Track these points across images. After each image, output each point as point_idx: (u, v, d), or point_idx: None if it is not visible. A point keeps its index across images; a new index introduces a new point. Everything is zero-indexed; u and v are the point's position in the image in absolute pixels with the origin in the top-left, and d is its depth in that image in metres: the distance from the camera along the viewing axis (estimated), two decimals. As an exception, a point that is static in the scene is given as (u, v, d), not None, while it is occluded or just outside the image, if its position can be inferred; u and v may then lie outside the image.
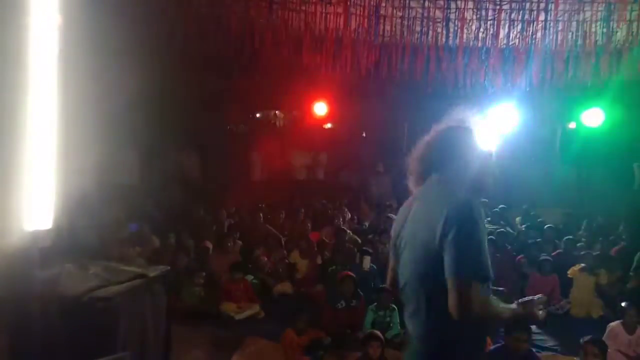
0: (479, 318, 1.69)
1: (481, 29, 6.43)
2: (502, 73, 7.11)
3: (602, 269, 5.86)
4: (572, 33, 6.24)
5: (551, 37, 6.29)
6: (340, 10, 6.16)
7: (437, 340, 1.78)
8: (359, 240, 6.72)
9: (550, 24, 6.07)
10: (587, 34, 6.21)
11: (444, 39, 6.39)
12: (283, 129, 11.18)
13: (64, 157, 2.40)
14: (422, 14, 6.10)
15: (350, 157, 10.33)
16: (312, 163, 10.62)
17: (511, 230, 7.37)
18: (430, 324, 1.78)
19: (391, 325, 4.64)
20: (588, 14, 6.04)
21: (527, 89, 7.33)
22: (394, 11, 6.12)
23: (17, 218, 2.26)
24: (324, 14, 6.41)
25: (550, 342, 4.87)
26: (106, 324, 2.69)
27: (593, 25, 6.15)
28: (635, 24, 5.91)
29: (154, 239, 6.16)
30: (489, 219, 7.93)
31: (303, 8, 6.32)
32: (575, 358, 4.05)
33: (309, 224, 7.46)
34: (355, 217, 8.41)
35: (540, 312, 1.87)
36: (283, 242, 6.73)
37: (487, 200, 8.51)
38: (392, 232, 2.03)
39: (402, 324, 3.59)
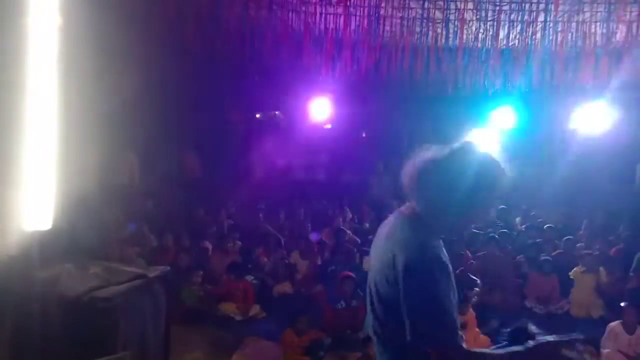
0: None
1: (481, 30, 6.43)
2: (502, 74, 7.11)
3: (602, 269, 5.86)
4: (572, 34, 6.25)
5: (551, 37, 6.29)
6: (340, 10, 6.16)
7: None
8: (359, 241, 6.73)
9: (549, 24, 6.07)
10: (587, 34, 6.21)
11: (443, 40, 6.40)
12: (283, 129, 11.17)
13: (63, 158, 2.40)
14: (422, 15, 6.11)
15: (350, 157, 10.33)
16: (312, 163, 10.61)
17: (508, 231, 7.36)
18: None
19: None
20: (587, 15, 6.04)
21: (527, 90, 7.34)
22: (394, 12, 6.12)
23: (17, 218, 2.27)
24: (323, 15, 6.41)
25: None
26: (106, 324, 2.69)
27: (593, 26, 6.15)
28: (634, 25, 5.92)
29: (154, 239, 6.17)
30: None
31: (303, 8, 6.32)
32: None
33: (308, 224, 7.46)
34: (355, 217, 8.41)
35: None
36: (283, 243, 6.73)
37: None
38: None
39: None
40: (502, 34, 6.46)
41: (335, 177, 10.41)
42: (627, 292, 5.49)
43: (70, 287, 2.76)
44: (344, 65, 6.70)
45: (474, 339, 4.34)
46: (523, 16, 6.09)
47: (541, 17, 5.99)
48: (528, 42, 6.41)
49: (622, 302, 4.57)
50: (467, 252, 6.30)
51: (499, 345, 3.93)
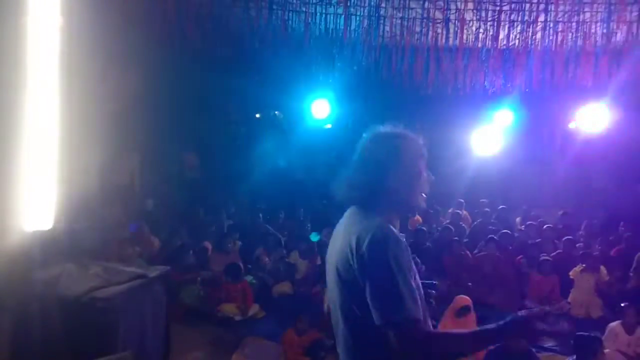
0: (441, 354, 1.51)
1: (481, 30, 6.43)
2: (502, 74, 7.11)
3: (602, 269, 5.86)
4: (572, 34, 6.24)
5: (551, 38, 6.29)
6: (340, 10, 6.16)
7: None
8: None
9: (549, 24, 6.07)
10: (587, 34, 6.21)
11: (443, 40, 6.39)
12: (283, 129, 11.17)
13: (64, 158, 2.40)
14: (422, 15, 6.10)
15: (351, 157, 10.32)
16: (312, 163, 10.61)
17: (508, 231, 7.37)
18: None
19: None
20: (588, 15, 6.04)
21: (527, 90, 7.33)
22: (394, 12, 6.11)
23: (17, 218, 2.27)
24: (324, 15, 6.41)
25: (550, 342, 4.87)
26: (106, 324, 2.70)
27: (593, 26, 6.15)
28: (635, 25, 5.91)
29: (154, 240, 6.17)
30: (479, 220, 7.95)
31: (303, 8, 6.32)
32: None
33: (308, 224, 7.46)
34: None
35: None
36: (283, 242, 6.73)
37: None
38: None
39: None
40: (502, 34, 6.45)
41: (335, 177, 10.39)
42: (627, 293, 5.49)
43: (70, 287, 2.76)
44: (344, 65, 6.70)
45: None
46: (523, 16, 6.08)
47: (541, 18, 5.99)
48: (528, 43, 6.41)
49: (622, 302, 4.57)
50: (467, 252, 6.31)
51: (497, 345, 3.93)
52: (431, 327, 1.63)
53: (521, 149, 9.04)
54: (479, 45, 6.67)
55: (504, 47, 6.80)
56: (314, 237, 6.81)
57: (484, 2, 5.92)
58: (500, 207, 8.35)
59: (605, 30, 6.05)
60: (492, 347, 3.96)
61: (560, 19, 6.09)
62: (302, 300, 5.49)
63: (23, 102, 2.22)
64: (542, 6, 5.80)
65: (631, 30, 5.95)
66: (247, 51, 6.75)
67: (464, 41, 6.28)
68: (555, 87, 7.06)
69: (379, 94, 8.69)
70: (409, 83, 7.01)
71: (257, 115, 11.19)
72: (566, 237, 6.75)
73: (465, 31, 6.23)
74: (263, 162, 9.82)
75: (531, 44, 6.43)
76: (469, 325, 4.39)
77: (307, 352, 4.31)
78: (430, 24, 6.21)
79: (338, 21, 6.40)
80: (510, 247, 6.63)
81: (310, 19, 6.32)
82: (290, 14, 6.41)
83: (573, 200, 8.75)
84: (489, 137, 9.08)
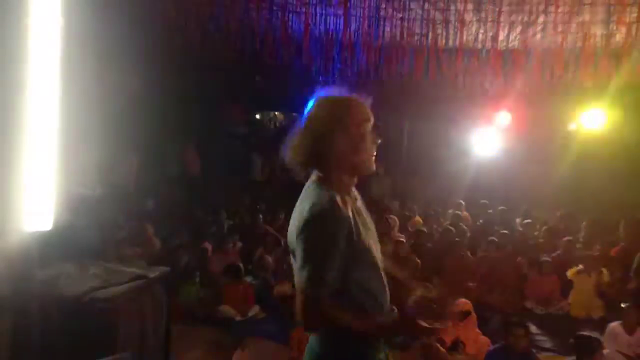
0: (335, 327, 1.53)
1: (481, 31, 6.44)
2: (502, 75, 7.11)
3: (602, 269, 5.86)
4: (572, 35, 6.25)
5: (551, 39, 6.30)
6: (340, 12, 6.17)
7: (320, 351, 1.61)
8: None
9: (549, 26, 6.08)
10: (587, 35, 6.22)
11: (443, 41, 6.40)
12: (283, 129, 11.18)
13: (64, 157, 2.40)
14: (422, 16, 6.11)
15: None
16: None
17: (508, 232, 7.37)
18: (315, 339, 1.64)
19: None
20: (587, 16, 6.04)
21: (527, 91, 7.34)
22: (394, 13, 6.12)
23: (17, 218, 2.27)
24: (323, 16, 6.42)
25: (550, 343, 4.87)
26: (106, 324, 2.69)
27: (592, 27, 6.16)
28: (634, 26, 5.92)
29: (154, 240, 6.16)
30: (480, 221, 7.95)
31: (303, 10, 6.32)
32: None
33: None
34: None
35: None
36: (282, 243, 6.72)
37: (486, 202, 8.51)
38: None
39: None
40: (502, 35, 6.46)
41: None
42: (627, 293, 5.49)
43: (70, 288, 2.76)
44: (344, 67, 6.71)
45: (474, 340, 4.34)
46: (523, 17, 6.09)
47: (541, 19, 6.00)
48: (528, 44, 6.42)
49: (622, 302, 4.57)
50: (468, 253, 6.30)
51: (498, 345, 3.93)
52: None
53: (521, 149, 9.04)
54: (479, 46, 6.69)
55: (504, 48, 6.81)
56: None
57: (483, 3, 5.93)
58: (500, 207, 8.35)
59: (604, 32, 6.06)
60: (492, 348, 3.97)
61: (560, 20, 6.10)
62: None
63: (23, 102, 2.22)
64: (541, 7, 5.81)
65: (631, 32, 5.96)
66: (247, 51, 6.75)
67: (464, 42, 6.29)
68: (555, 87, 7.07)
69: (378, 96, 8.69)
70: (409, 84, 7.02)
71: (258, 116, 11.20)
72: (566, 238, 6.75)
73: (465, 32, 6.23)
74: (263, 162, 9.83)
75: (531, 45, 6.43)
76: (470, 327, 4.39)
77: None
78: (430, 25, 6.22)
79: (338, 22, 6.41)
80: (510, 248, 6.63)
81: (310, 20, 6.32)
82: (290, 15, 6.42)
83: (573, 200, 8.75)
84: (489, 137, 9.09)
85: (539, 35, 6.31)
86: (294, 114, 10.21)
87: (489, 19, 6.21)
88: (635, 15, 5.83)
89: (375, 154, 1.73)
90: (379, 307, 1.61)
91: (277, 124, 12.24)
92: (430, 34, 6.33)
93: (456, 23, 6.16)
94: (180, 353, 3.92)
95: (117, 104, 5.22)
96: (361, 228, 1.60)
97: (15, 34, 2.16)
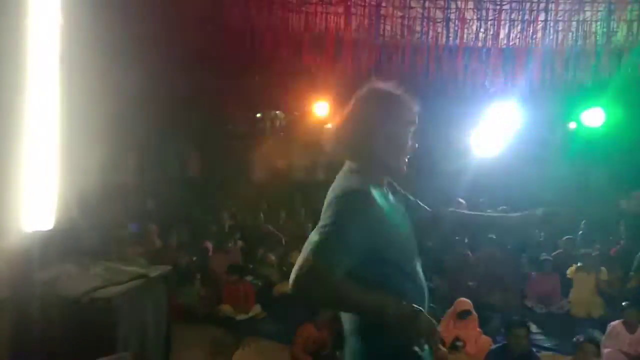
0: (325, 299, 1.42)
1: (481, 29, 6.43)
2: (503, 73, 7.10)
3: (602, 268, 5.86)
4: (572, 33, 6.24)
5: (551, 37, 6.28)
6: (340, 10, 6.16)
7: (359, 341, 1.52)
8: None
9: (550, 24, 6.07)
10: (587, 33, 6.21)
11: (444, 39, 6.39)
12: (283, 129, 11.17)
13: (64, 157, 2.40)
14: (423, 14, 6.10)
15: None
16: (312, 163, 10.61)
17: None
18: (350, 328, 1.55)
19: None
20: (588, 14, 6.04)
21: (527, 89, 7.33)
22: (395, 11, 6.11)
23: (17, 218, 2.27)
24: (324, 14, 6.41)
25: (550, 342, 4.87)
26: (107, 324, 2.70)
27: (593, 25, 6.15)
28: (635, 24, 5.91)
29: (155, 239, 6.17)
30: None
31: (303, 8, 6.31)
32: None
33: (309, 224, 7.45)
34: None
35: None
36: (284, 242, 6.73)
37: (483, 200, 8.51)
38: None
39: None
40: (502, 34, 6.45)
41: (335, 176, 10.39)
42: (628, 292, 5.49)
43: (70, 288, 2.76)
44: (345, 65, 6.70)
45: (475, 339, 4.34)
46: (523, 15, 6.08)
47: (542, 17, 5.99)
48: (528, 42, 6.41)
49: (622, 301, 4.57)
50: (469, 252, 6.30)
51: (498, 345, 3.93)
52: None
53: (521, 148, 9.03)
54: (479, 44, 6.67)
55: (504, 46, 6.80)
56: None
57: (484, 2, 5.92)
58: (501, 207, 8.34)
59: (605, 30, 6.05)
60: (493, 347, 3.97)
61: (561, 18, 6.09)
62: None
63: (23, 102, 2.21)
64: (542, 5, 5.80)
65: (631, 30, 5.95)
66: (247, 51, 6.75)
67: (464, 40, 6.28)
68: (555, 86, 7.06)
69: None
70: (409, 82, 7.00)
71: (258, 115, 11.19)
72: (566, 237, 6.75)
73: (465, 30, 6.23)
74: (264, 162, 9.83)
75: (531, 43, 6.42)
76: (471, 327, 4.39)
77: (311, 353, 4.31)
78: (431, 23, 6.21)
79: (338, 20, 6.40)
80: (510, 247, 6.63)
81: (310, 19, 6.32)
82: (290, 14, 6.41)
83: (573, 200, 8.74)
84: (489, 136, 9.07)
85: (539, 34, 6.30)
86: (295, 113, 10.22)
87: (490, 17, 6.20)
88: (636, 13, 5.82)
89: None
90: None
91: (278, 124, 12.23)
92: (430, 32, 6.32)
93: (457, 21, 6.16)
94: (180, 352, 3.92)
95: (118, 103, 5.21)
96: (390, 224, 1.51)
97: (14, 34, 2.16)
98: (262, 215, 7.57)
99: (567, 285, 5.84)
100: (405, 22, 6.26)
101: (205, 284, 5.45)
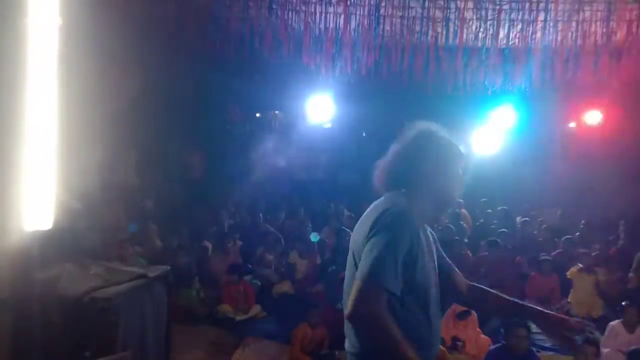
0: (369, 329, 1.51)
1: (481, 29, 6.42)
2: (502, 73, 7.10)
3: (602, 268, 5.86)
4: (572, 33, 6.24)
5: (551, 37, 6.29)
6: (340, 10, 6.16)
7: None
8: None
9: (549, 23, 6.07)
10: (587, 33, 6.21)
11: (443, 39, 6.39)
12: (283, 129, 11.17)
13: (64, 158, 2.40)
14: (422, 14, 6.10)
15: (350, 157, 10.33)
16: (312, 163, 10.61)
17: (509, 231, 7.37)
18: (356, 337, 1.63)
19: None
20: (588, 14, 6.04)
21: (527, 89, 7.33)
22: (394, 11, 6.11)
23: (17, 218, 2.27)
24: (323, 14, 6.41)
25: (550, 342, 4.86)
26: (106, 324, 2.70)
27: (593, 25, 6.15)
28: (635, 24, 5.91)
29: (155, 239, 6.17)
30: (481, 220, 7.96)
31: (303, 8, 6.31)
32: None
33: (309, 224, 7.46)
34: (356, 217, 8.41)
35: None
36: (283, 242, 6.73)
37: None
38: None
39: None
40: (502, 33, 6.45)
41: (335, 177, 10.41)
42: (627, 292, 5.49)
43: (70, 287, 2.76)
44: (344, 65, 6.70)
45: (475, 339, 4.34)
46: (523, 15, 6.08)
47: (541, 17, 5.99)
48: (528, 42, 6.41)
49: (622, 301, 4.57)
50: (468, 252, 6.30)
51: (498, 345, 3.93)
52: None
53: (521, 148, 9.03)
54: (479, 44, 6.67)
55: (504, 46, 6.80)
56: (314, 237, 6.81)
57: (484, 1, 5.92)
58: (500, 207, 8.35)
59: (605, 30, 6.05)
60: (492, 347, 3.97)
61: (560, 18, 6.09)
62: (303, 300, 5.49)
63: (23, 102, 2.21)
64: (542, 5, 5.80)
65: (631, 30, 5.95)
66: (247, 51, 6.75)
67: (464, 40, 6.28)
68: (555, 86, 7.06)
69: (378, 94, 8.69)
70: (408, 82, 7.01)
71: (258, 115, 11.19)
72: (566, 237, 6.75)
73: (465, 30, 6.23)
74: (263, 161, 9.83)
75: (531, 43, 6.42)
76: (470, 327, 4.39)
77: (310, 352, 4.32)
78: (430, 23, 6.21)
79: (338, 20, 6.40)
80: (510, 247, 6.63)
81: (310, 18, 6.31)
82: (290, 14, 6.41)
83: (573, 200, 8.75)
84: (489, 136, 9.07)
85: (539, 34, 6.30)
86: (297, 113, 10.21)
87: (489, 17, 6.20)
88: (635, 13, 5.82)
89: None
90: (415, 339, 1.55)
91: (278, 124, 12.23)
92: (430, 32, 6.32)
93: (456, 21, 6.16)
94: (180, 352, 3.92)
95: (117, 103, 5.21)
96: (424, 257, 1.62)
97: (14, 34, 2.16)
98: (261, 215, 7.57)
99: (566, 285, 5.84)
100: (405, 21, 6.26)
101: (204, 284, 5.45)
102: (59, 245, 2.78)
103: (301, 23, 6.41)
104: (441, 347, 4.00)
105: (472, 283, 1.94)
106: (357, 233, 1.69)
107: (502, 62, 6.88)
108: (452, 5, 5.99)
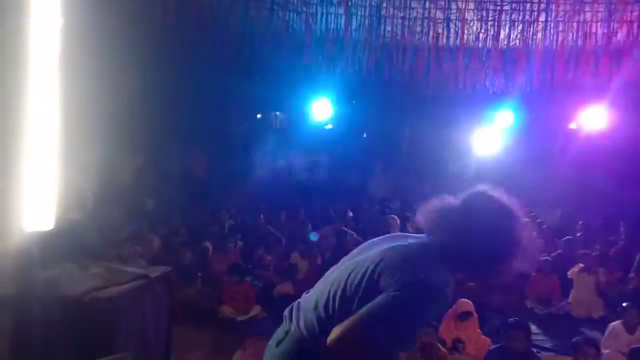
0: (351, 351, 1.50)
1: (482, 30, 6.43)
2: (503, 74, 7.11)
3: (602, 269, 5.86)
4: (573, 34, 6.24)
5: (551, 37, 6.29)
6: (341, 10, 6.16)
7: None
8: (361, 240, 6.72)
9: (550, 24, 6.07)
10: (588, 34, 6.21)
11: (444, 40, 6.39)
12: (283, 129, 11.18)
13: (64, 158, 2.40)
14: (423, 15, 6.11)
15: (350, 157, 10.34)
16: (312, 163, 10.61)
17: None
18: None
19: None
20: (588, 15, 6.04)
21: (527, 90, 7.33)
22: (395, 12, 6.12)
23: (17, 218, 2.26)
24: (324, 15, 6.41)
25: (550, 343, 4.87)
26: (107, 324, 2.69)
27: (593, 26, 6.15)
28: (635, 25, 5.91)
29: (155, 239, 6.16)
30: None
31: (304, 9, 6.32)
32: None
33: (309, 224, 7.45)
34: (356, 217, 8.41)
35: None
36: (283, 242, 6.73)
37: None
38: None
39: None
40: (503, 34, 6.46)
41: (335, 177, 10.41)
42: (628, 292, 5.49)
43: (71, 288, 2.76)
44: (345, 66, 6.71)
45: (475, 340, 4.33)
46: (524, 16, 6.09)
47: (542, 17, 6.00)
48: (529, 42, 6.41)
49: (622, 302, 4.57)
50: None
51: (497, 345, 3.93)
52: None
53: (521, 149, 9.03)
54: (480, 45, 6.68)
55: (505, 46, 6.81)
56: (314, 237, 6.81)
57: (484, 2, 5.92)
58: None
59: (605, 30, 6.05)
60: (492, 348, 3.97)
61: (561, 19, 6.10)
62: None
63: (23, 102, 2.21)
64: (542, 6, 5.81)
65: (631, 30, 5.95)
66: (248, 51, 6.75)
67: (465, 41, 6.29)
68: (555, 86, 7.06)
69: (380, 94, 8.69)
70: (409, 83, 7.02)
71: (259, 116, 11.19)
72: (566, 237, 6.75)
73: (466, 31, 6.24)
74: (264, 162, 9.83)
75: (532, 44, 6.43)
76: (471, 328, 4.38)
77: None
78: (431, 23, 6.22)
79: (339, 21, 6.40)
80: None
81: (311, 19, 6.32)
82: (291, 14, 6.41)
83: (573, 200, 8.75)
84: (490, 137, 9.07)
85: (539, 34, 6.30)
86: (298, 113, 10.21)
87: (490, 18, 6.21)
88: (636, 13, 5.83)
89: None
90: None
91: (278, 124, 12.23)
92: (431, 33, 6.32)
93: (457, 22, 6.16)
94: (181, 353, 3.92)
95: (118, 103, 5.21)
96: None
97: (14, 33, 2.16)
98: (262, 215, 7.57)
99: (567, 285, 5.83)
100: (406, 22, 6.26)
101: (205, 285, 5.45)
102: (59, 245, 2.78)
103: (302, 24, 6.42)
104: (442, 348, 4.00)
105: None
106: (377, 254, 1.60)
107: (503, 62, 6.89)
108: (453, 6, 6.00)
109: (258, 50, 6.69)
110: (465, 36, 6.27)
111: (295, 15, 6.42)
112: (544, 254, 6.20)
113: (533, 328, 4.77)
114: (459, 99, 7.88)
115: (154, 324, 3.10)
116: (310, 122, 8.99)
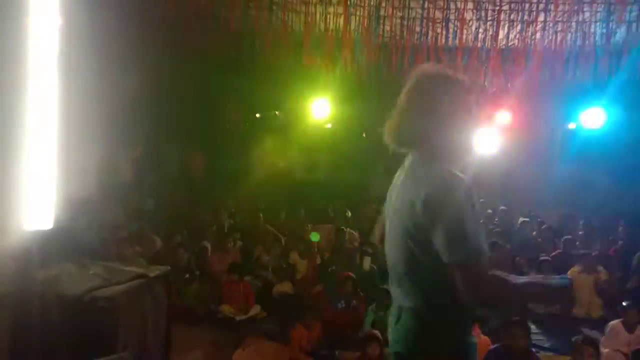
0: (495, 298, 1.53)
1: (481, 30, 6.43)
2: (502, 73, 7.11)
3: (601, 268, 5.86)
4: (572, 34, 6.25)
5: (550, 37, 6.29)
6: (340, 10, 6.16)
7: (419, 322, 1.60)
8: (360, 240, 6.73)
9: (549, 24, 6.08)
10: (587, 34, 6.22)
11: (443, 40, 6.40)
12: (283, 129, 11.17)
13: (64, 157, 2.40)
14: (422, 15, 6.11)
15: (350, 157, 10.34)
16: (312, 163, 10.61)
17: (508, 231, 7.37)
18: (414, 306, 1.61)
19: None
20: (587, 15, 6.04)
21: (527, 89, 7.33)
22: (394, 11, 6.12)
23: (17, 218, 2.27)
24: (323, 14, 6.41)
25: (549, 342, 4.87)
26: (106, 323, 2.70)
27: (592, 26, 6.16)
28: (634, 25, 5.92)
29: (155, 239, 6.17)
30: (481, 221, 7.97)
31: (303, 8, 6.32)
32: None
33: (309, 224, 7.45)
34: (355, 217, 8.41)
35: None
36: (283, 242, 6.73)
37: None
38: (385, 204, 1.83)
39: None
40: (501, 34, 6.46)
41: (335, 177, 10.41)
42: (627, 292, 5.49)
43: (70, 287, 2.76)
44: (344, 65, 6.71)
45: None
46: (523, 16, 6.09)
47: (541, 17, 6.00)
48: (528, 42, 6.41)
49: (621, 301, 4.58)
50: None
51: (497, 345, 3.93)
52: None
53: (521, 149, 9.03)
54: (479, 44, 6.68)
55: (504, 46, 6.81)
56: (314, 237, 6.82)
57: (483, 2, 5.93)
58: (501, 207, 8.35)
59: (604, 30, 6.05)
60: (492, 347, 3.97)
61: (560, 19, 6.10)
62: (303, 300, 5.49)
63: (23, 102, 2.22)
64: (541, 6, 5.81)
65: (630, 30, 5.96)
66: (247, 51, 6.75)
67: (464, 41, 6.29)
68: (555, 86, 7.07)
69: (378, 94, 8.69)
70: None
71: (258, 115, 11.19)
72: (566, 237, 6.75)
73: (465, 31, 6.23)
74: (263, 162, 9.84)
75: (531, 44, 6.43)
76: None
77: (310, 352, 4.33)
78: (430, 23, 6.22)
79: (338, 21, 6.40)
80: (510, 247, 6.63)
81: (310, 19, 6.32)
82: (290, 14, 6.42)
83: (573, 200, 8.75)
84: (489, 136, 9.07)
85: (538, 34, 6.30)
86: (297, 113, 10.20)
87: (489, 18, 6.21)
88: (635, 14, 5.83)
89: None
90: None
91: (278, 124, 12.23)
92: (430, 33, 6.33)
93: (456, 22, 6.16)
94: (180, 352, 3.92)
95: (117, 103, 5.22)
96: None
97: (13, 33, 2.16)
98: (261, 215, 7.57)
99: (566, 285, 5.83)
100: (405, 22, 6.26)
101: (204, 284, 5.46)
102: (59, 245, 2.78)
103: (301, 23, 6.42)
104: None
105: None
106: (401, 206, 1.60)
107: (502, 62, 6.89)
108: (452, 6, 6.00)
109: (257, 49, 6.69)
110: (464, 36, 6.27)
111: (294, 14, 6.42)
112: (543, 254, 6.21)
113: (532, 328, 4.78)
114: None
115: (153, 323, 3.11)
116: (309, 121, 8.99)
